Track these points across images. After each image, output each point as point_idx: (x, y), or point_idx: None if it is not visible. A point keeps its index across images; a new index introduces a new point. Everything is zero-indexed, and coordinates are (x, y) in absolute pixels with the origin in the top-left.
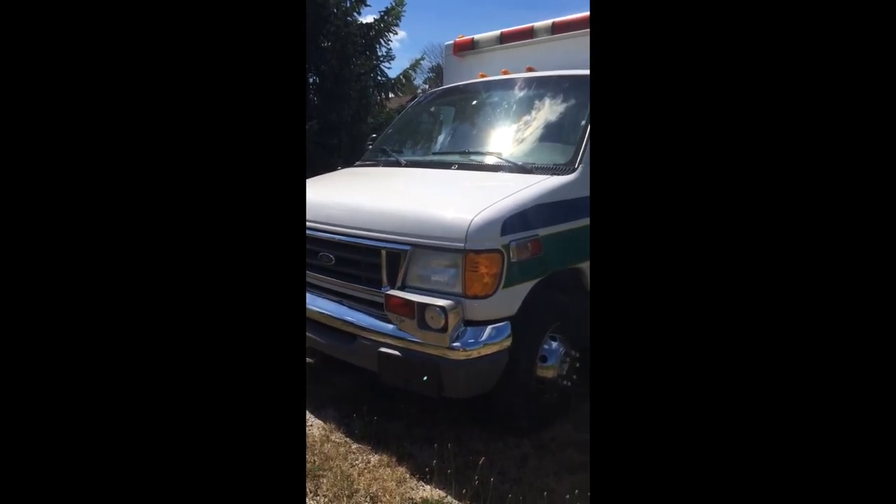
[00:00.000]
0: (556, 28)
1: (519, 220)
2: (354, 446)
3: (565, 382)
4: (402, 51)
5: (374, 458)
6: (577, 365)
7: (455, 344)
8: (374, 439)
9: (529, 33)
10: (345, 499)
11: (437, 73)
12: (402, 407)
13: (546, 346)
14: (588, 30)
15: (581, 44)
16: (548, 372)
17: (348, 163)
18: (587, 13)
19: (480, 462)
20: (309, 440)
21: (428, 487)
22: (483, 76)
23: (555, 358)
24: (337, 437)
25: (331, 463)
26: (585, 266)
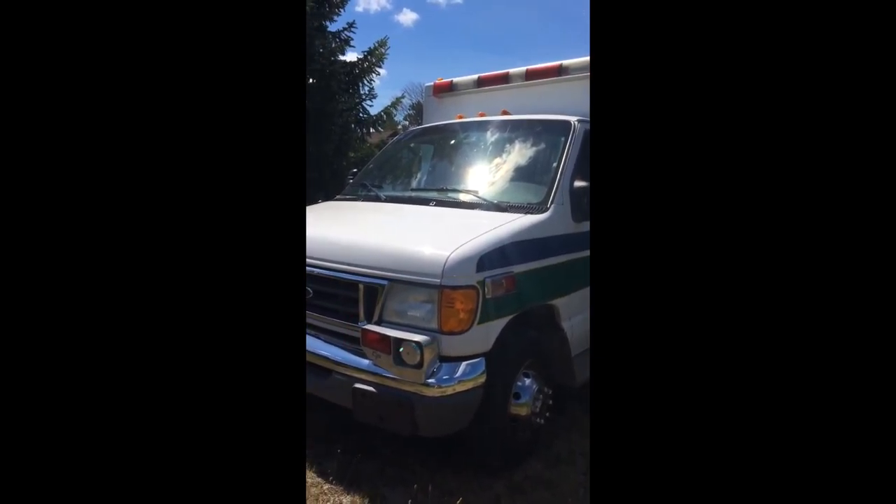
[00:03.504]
0: (530, 75)
1: (494, 257)
2: (326, 486)
3: (538, 420)
4: (382, 87)
5: (347, 499)
6: (550, 402)
7: (430, 380)
8: (347, 480)
9: (505, 78)
10: None
11: (417, 111)
12: (376, 445)
13: (519, 383)
14: (557, 78)
15: (552, 90)
16: (521, 409)
17: (329, 196)
18: (558, 62)
19: (458, 502)
20: None
21: None
22: (461, 117)
23: (528, 395)
24: (308, 476)
25: None
26: (558, 303)
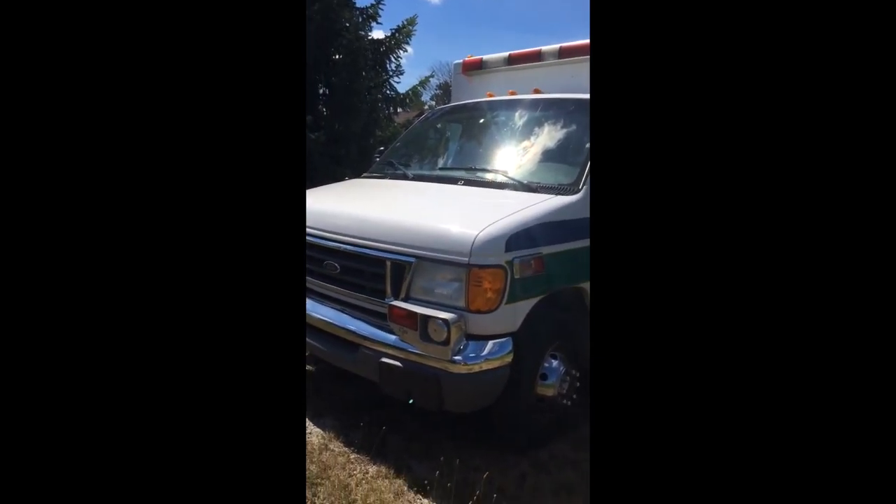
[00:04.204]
0: (563, 52)
1: (523, 237)
2: (353, 456)
3: (565, 401)
4: (409, 66)
5: (373, 469)
6: (578, 384)
7: (456, 357)
8: (374, 450)
9: (537, 56)
10: None
11: (444, 91)
12: (403, 419)
13: (547, 364)
14: None
15: (587, 68)
16: (548, 390)
17: (356, 174)
18: None
19: (485, 477)
20: (307, 448)
21: (425, 501)
22: (491, 96)
23: (555, 376)
24: (336, 446)
25: (329, 472)
26: (588, 286)
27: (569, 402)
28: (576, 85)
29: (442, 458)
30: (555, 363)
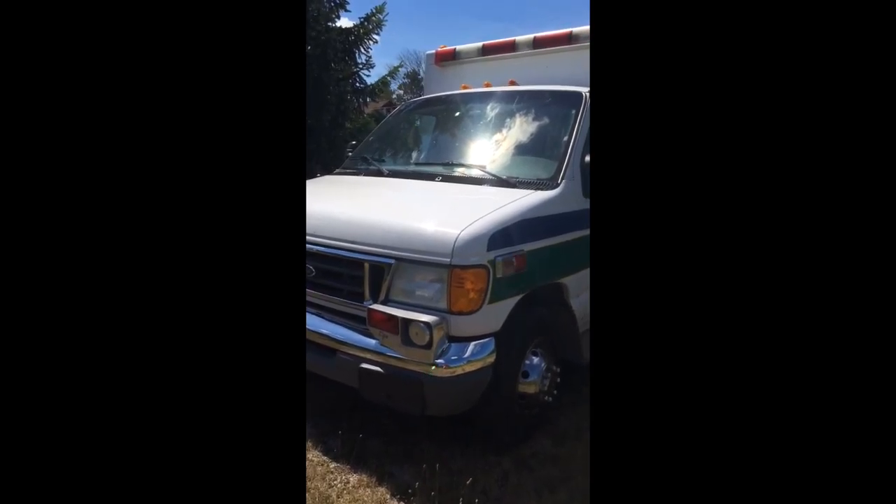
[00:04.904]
0: (538, 43)
1: (505, 235)
2: (333, 465)
3: (546, 398)
4: (376, 55)
5: (354, 478)
6: (558, 380)
7: (439, 360)
8: (354, 458)
9: (511, 47)
10: None
11: (412, 79)
12: (383, 423)
13: (528, 362)
14: (568, 46)
15: (562, 59)
16: (529, 387)
17: (327, 168)
18: (568, 30)
19: (468, 482)
20: None
21: None
22: (466, 87)
23: (537, 373)
24: (314, 455)
25: (308, 483)
26: (567, 281)
27: (550, 398)
28: (551, 76)
29: (424, 466)
30: (536, 360)
